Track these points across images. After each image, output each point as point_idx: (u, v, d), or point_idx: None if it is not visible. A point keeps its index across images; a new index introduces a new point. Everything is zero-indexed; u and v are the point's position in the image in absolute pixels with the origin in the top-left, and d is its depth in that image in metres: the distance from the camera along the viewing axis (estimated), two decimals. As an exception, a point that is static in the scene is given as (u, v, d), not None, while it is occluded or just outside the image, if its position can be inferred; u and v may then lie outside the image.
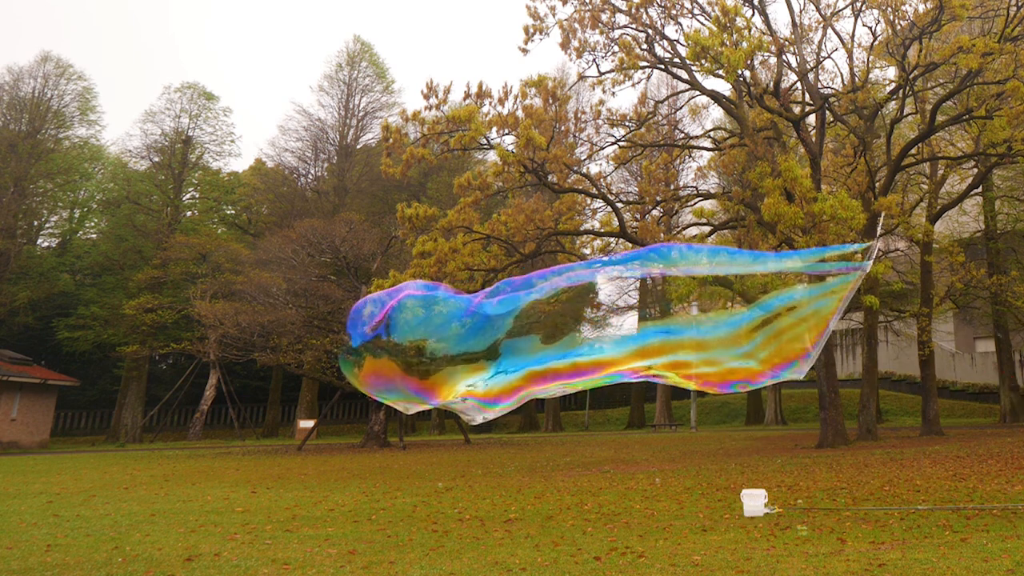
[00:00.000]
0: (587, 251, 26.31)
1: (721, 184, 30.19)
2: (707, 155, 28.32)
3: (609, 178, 27.55)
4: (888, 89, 24.71)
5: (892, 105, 24.63)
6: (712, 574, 5.67)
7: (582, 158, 24.81)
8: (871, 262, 6.21)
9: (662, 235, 26.45)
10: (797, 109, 23.80)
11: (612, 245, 26.84)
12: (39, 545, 7.68)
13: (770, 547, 6.61)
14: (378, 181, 40.18)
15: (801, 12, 24.22)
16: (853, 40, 23.98)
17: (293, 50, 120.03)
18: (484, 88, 20.96)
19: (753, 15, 22.60)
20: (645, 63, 22.53)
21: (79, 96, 43.07)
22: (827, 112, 23.46)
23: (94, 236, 47.03)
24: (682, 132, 29.25)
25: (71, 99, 42.86)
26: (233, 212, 47.36)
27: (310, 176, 47.72)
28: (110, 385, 42.97)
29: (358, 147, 46.64)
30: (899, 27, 21.64)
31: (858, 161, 23.51)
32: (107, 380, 43.26)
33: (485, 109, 20.90)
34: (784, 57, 22.98)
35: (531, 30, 22.27)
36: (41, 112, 41.45)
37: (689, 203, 27.64)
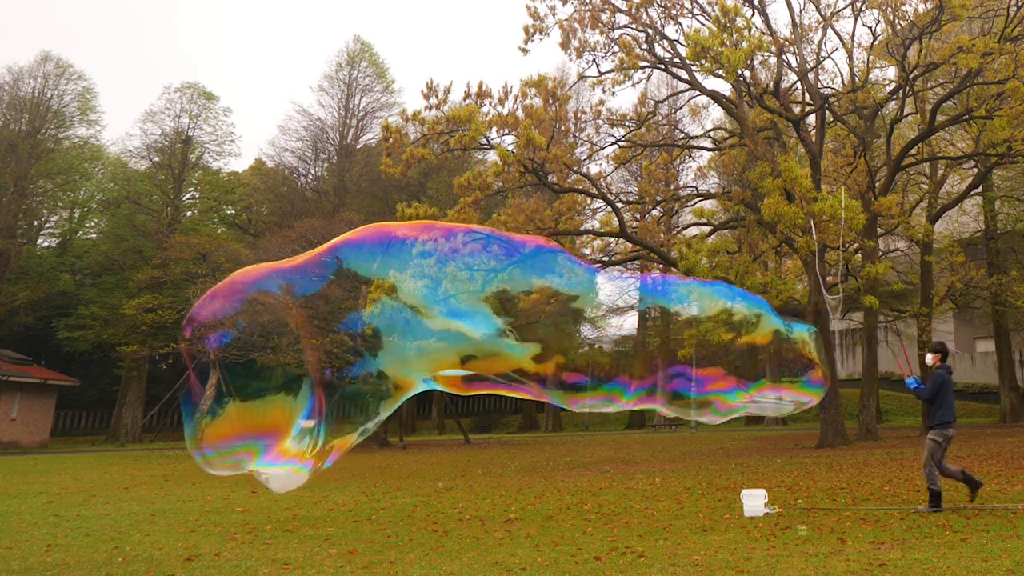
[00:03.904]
0: (587, 251, 26.30)
1: (721, 184, 30.17)
2: (707, 155, 28.33)
3: (609, 178, 27.56)
4: (888, 89, 24.70)
5: (892, 105, 24.61)
6: (712, 574, 5.67)
7: (582, 158, 24.81)
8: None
9: (662, 235, 26.46)
10: (797, 109, 23.79)
11: (612, 245, 26.83)
12: (39, 545, 7.68)
13: (770, 547, 6.61)
14: (378, 181, 40.10)
15: (801, 12, 24.22)
16: (853, 40, 23.98)
17: (293, 50, 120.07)
18: (484, 88, 20.96)
19: (753, 15, 22.62)
20: (645, 63, 22.53)
21: (79, 96, 43.04)
22: (827, 112, 23.45)
23: (94, 236, 46.98)
24: (682, 132, 29.24)
25: (71, 99, 42.84)
26: (233, 212, 47.30)
27: (310, 176, 47.67)
28: (110, 385, 42.92)
29: (358, 147, 46.58)
30: (899, 27, 21.63)
31: (858, 161, 23.50)
32: (107, 380, 43.22)
33: (485, 109, 20.92)
34: (784, 57, 22.97)
35: (531, 30, 22.27)
36: (41, 112, 41.42)
37: (689, 203, 27.63)
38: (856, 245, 23.04)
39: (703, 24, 21.80)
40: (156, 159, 43.71)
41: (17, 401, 33.33)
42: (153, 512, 10.25)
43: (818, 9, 23.65)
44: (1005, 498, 9.01)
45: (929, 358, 9.05)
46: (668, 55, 22.86)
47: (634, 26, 22.26)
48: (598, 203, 26.39)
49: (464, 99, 21.07)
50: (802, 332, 8.25)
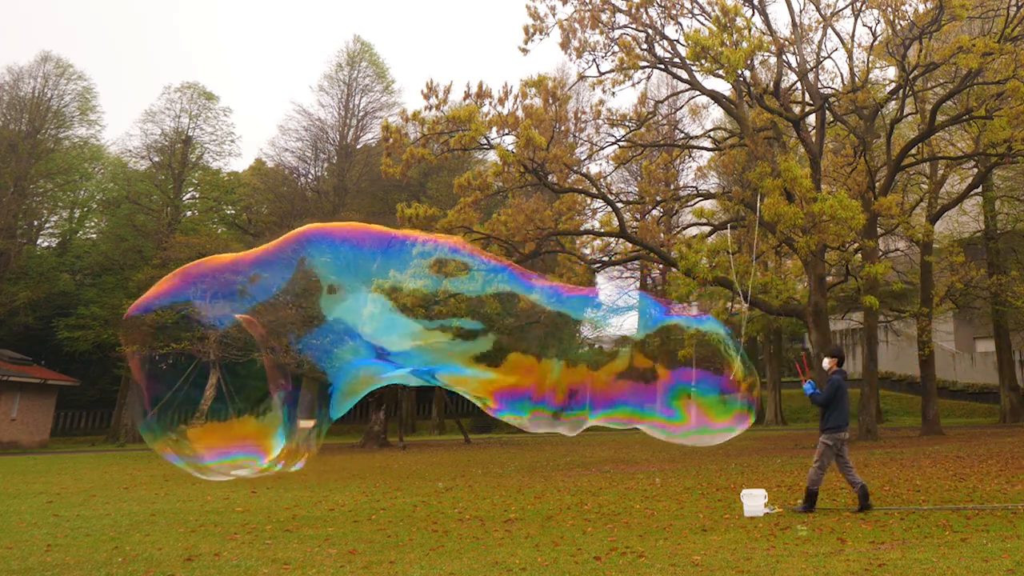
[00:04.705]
0: (587, 251, 26.30)
1: (721, 184, 30.16)
2: (707, 155, 28.32)
3: (609, 178, 27.55)
4: (888, 89, 24.70)
5: (892, 105, 24.62)
6: (712, 574, 5.67)
7: (582, 158, 24.80)
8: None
9: (662, 235, 26.46)
10: (797, 109, 23.79)
11: (612, 245, 26.83)
12: (39, 545, 7.68)
13: (770, 547, 6.61)
14: (378, 181, 40.05)
15: (801, 12, 24.22)
16: (853, 40, 23.98)
17: (293, 50, 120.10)
18: (484, 88, 20.96)
19: (753, 15, 22.63)
20: (645, 63, 22.53)
21: (79, 96, 43.03)
22: (827, 112, 23.45)
23: (94, 236, 46.97)
24: (682, 132, 29.23)
25: (71, 99, 42.82)
26: (233, 212, 47.28)
27: (310, 176, 47.63)
28: (110, 385, 42.87)
29: (358, 147, 46.55)
30: (899, 27, 21.64)
31: (858, 161, 23.50)
32: (107, 380, 43.16)
33: (485, 109, 20.92)
34: (784, 57, 22.98)
35: (531, 30, 22.27)
36: (41, 112, 41.41)
37: (689, 203, 27.61)
38: (856, 245, 23.04)
39: (703, 24, 21.81)
40: (156, 159, 43.69)
41: (17, 401, 33.32)
42: (153, 512, 10.25)
43: (818, 9, 23.65)
44: (1005, 498, 9.01)
45: (826, 362, 9.18)
46: (668, 55, 22.87)
47: (634, 26, 22.26)
48: (598, 203, 26.39)
49: (464, 99, 21.07)
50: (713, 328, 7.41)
